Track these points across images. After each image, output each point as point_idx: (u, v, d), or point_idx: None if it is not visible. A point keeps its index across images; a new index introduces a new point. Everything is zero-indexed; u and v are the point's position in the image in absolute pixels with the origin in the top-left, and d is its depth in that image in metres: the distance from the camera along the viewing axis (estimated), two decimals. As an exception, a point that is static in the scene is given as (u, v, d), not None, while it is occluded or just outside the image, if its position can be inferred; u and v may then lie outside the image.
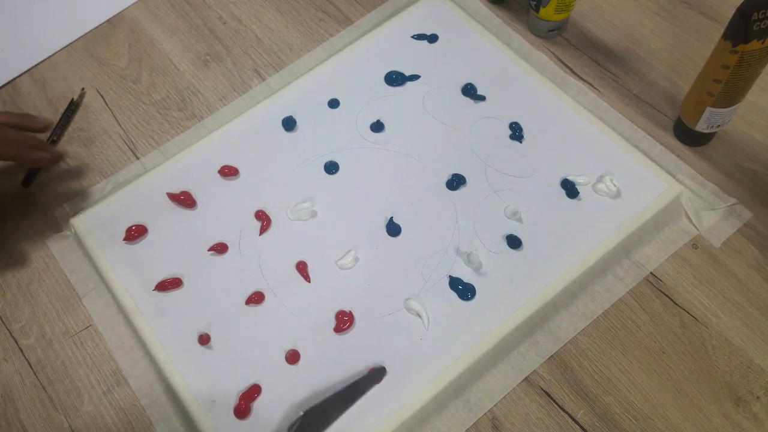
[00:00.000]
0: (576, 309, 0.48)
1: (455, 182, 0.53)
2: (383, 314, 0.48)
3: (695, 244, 0.51)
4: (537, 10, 0.59)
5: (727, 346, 0.47)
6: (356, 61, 0.60)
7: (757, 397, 0.45)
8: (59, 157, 0.56)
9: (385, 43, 0.61)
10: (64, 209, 0.55)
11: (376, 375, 0.45)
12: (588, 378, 0.46)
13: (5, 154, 0.52)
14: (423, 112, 0.57)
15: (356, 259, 0.50)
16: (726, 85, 0.48)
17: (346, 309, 0.48)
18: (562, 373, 0.46)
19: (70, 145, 0.59)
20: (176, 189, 0.54)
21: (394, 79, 0.59)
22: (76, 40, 0.66)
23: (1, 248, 0.54)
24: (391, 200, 0.53)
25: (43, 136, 0.57)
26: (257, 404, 0.45)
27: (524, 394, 0.46)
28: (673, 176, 0.52)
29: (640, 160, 0.53)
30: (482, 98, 0.57)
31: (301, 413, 0.44)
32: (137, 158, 0.58)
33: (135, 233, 0.52)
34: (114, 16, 0.67)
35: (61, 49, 0.65)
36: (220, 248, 0.52)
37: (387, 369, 0.46)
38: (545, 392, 0.46)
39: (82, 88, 0.62)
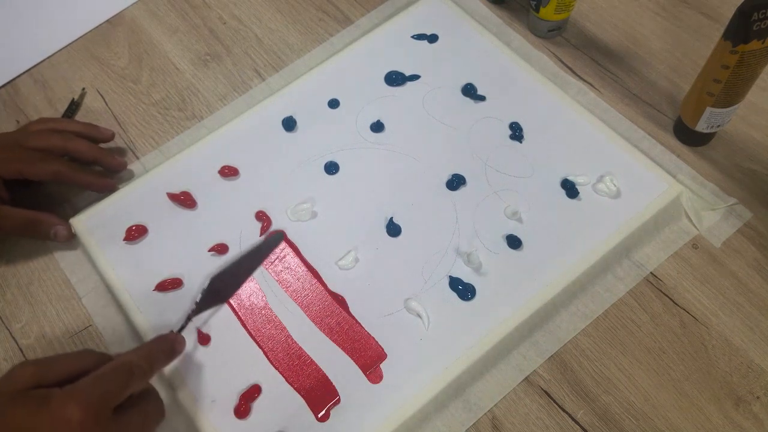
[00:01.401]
0: (576, 309, 0.48)
1: (455, 182, 0.53)
2: (383, 314, 0.48)
3: (695, 244, 0.51)
4: (537, 10, 0.59)
5: (727, 346, 0.47)
6: (356, 61, 0.60)
7: (757, 397, 0.45)
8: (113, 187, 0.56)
9: (385, 43, 0.61)
10: (64, 209, 0.55)
11: (276, 238, 0.50)
12: (588, 378, 0.46)
13: (77, 179, 0.53)
14: (423, 112, 0.57)
15: (356, 259, 0.50)
16: (726, 85, 0.48)
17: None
18: (562, 373, 0.46)
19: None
20: (176, 189, 0.54)
21: (394, 79, 0.59)
22: (76, 40, 0.66)
23: (1, 248, 0.54)
24: (391, 200, 0.53)
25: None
26: (257, 404, 0.45)
27: (524, 394, 0.46)
28: (673, 176, 0.52)
29: (640, 160, 0.53)
30: (482, 98, 0.57)
31: (209, 279, 0.46)
32: (137, 158, 0.58)
33: (135, 233, 0.52)
34: (114, 16, 0.67)
35: (61, 49, 0.65)
36: (220, 249, 0.52)
37: (384, 367, 0.46)
38: (545, 392, 0.46)
39: (83, 88, 0.62)
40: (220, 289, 0.47)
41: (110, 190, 0.55)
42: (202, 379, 0.46)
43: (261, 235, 0.52)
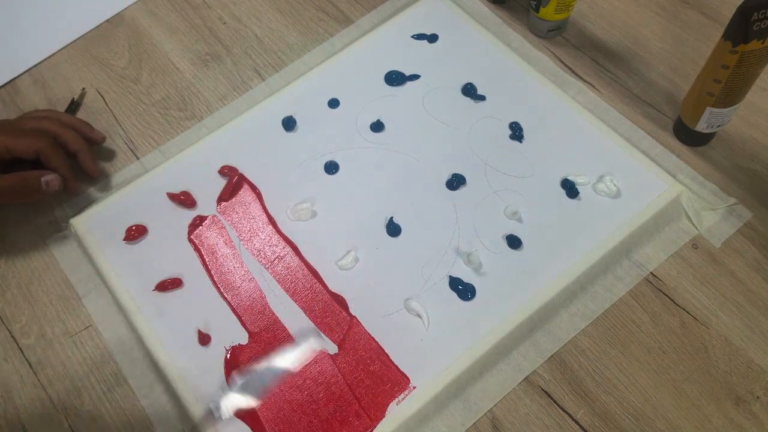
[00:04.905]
0: (576, 309, 0.48)
1: (455, 182, 0.53)
2: (383, 314, 0.48)
3: (695, 244, 0.51)
4: (537, 10, 0.59)
5: (727, 346, 0.47)
6: (356, 61, 0.60)
7: (757, 397, 0.45)
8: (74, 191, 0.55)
9: (385, 43, 0.61)
10: (64, 209, 0.55)
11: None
12: (588, 378, 0.46)
13: (58, 167, 0.52)
14: (423, 112, 0.57)
15: (356, 259, 0.50)
16: (726, 85, 0.48)
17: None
18: (562, 373, 0.46)
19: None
20: (176, 189, 0.54)
21: (394, 79, 0.59)
22: (76, 40, 0.66)
23: (1, 248, 0.54)
24: (391, 200, 0.53)
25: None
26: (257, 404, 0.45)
27: (524, 394, 0.46)
28: (673, 176, 0.52)
29: (640, 160, 0.53)
30: (482, 98, 0.57)
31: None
32: (137, 158, 0.58)
33: (135, 233, 0.52)
34: (114, 16, 0.67)
35: (61, 49, 0.65)
36: (220, 248, 0.52)
37: None
38: (545, 392, 0.46)
39: (83, 88, 0.62)
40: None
41: (72, 194, 0.55)
42: (202, 379, 0.46)
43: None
